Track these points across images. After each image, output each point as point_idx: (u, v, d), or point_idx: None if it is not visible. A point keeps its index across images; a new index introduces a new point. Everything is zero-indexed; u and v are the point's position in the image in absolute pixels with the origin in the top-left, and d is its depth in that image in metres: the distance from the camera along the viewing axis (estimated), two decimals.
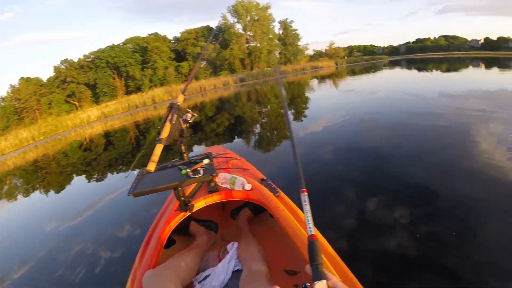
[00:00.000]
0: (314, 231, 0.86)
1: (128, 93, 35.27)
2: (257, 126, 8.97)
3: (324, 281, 0.74)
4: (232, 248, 2.01)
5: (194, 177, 1.69)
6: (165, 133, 1.73)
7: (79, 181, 6.56)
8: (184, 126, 1.96)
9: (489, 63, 30.35)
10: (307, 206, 0.96)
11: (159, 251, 1.70)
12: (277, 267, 1.93)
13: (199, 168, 1.75)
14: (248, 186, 2.01)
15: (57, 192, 6.13)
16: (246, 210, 2.42)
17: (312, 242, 0.85)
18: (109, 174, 6.61)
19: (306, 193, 0.97)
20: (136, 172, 1.84)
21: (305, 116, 9.25)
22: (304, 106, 11.98)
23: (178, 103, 1.93)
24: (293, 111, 10.98)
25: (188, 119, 2.00)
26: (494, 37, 65.17)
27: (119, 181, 5.88)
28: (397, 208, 3.24)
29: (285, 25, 45.39)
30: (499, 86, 11.73)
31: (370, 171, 4.33)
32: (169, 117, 1.81)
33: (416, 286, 2.17)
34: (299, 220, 1.75)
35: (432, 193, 3.45)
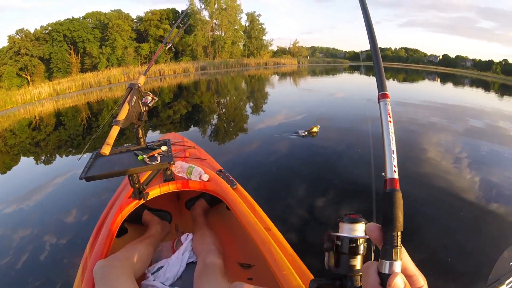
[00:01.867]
0: (397, 174, 0.52)
1: (83, 71, 32.74)
2: (215, 117, 8.88)
3: (398, 263, 0.47)
4: (187, 239, 1.97)
5: (151, 164, 1.61)
6: (122, 115, 1.64)
7: (26, 162, 6.07)
8: (143, 109, 1.88)
9: (445, 78, 32.41)
10: (391, 125, 0.58)
11: (110, 240, 1.62)
12: (232, 259, 1.92)
13: (156, 155, 1.69)
14: (205, 177, 1.97)
15: (3, 173, 5.68)
16: (202, 201, 2.38)
17: (391, 193, 0.50)
18: (58, 157, 6.18)
19: (389, 99, 0.61)
20: (87, 155, 1.74)
21: (263, 111, 9.28)
22: (263, 100, 12.02)
23: (139, 84, 1.83)
24: (251, 104, 11.01)
25: (148, 102, 1.93)
26: (452, 54, 69.27)
27: (69, 164, 5.54)
28: (344, 202, 3.41)
29: (252, 17, 45.09)
30: (449, 100, 12.78)
31: (321, 170, 4.46)
32: (128, 98, 1.72)
33: None
34: (256, 213, 1.74)
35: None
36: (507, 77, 50.10)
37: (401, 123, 7.15)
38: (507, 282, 1.90)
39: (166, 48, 2.50)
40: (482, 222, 3.28)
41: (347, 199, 3.59)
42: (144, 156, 1.66)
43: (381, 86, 0.64)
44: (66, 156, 6.16)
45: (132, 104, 1.73)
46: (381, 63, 0.72)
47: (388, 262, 0.47)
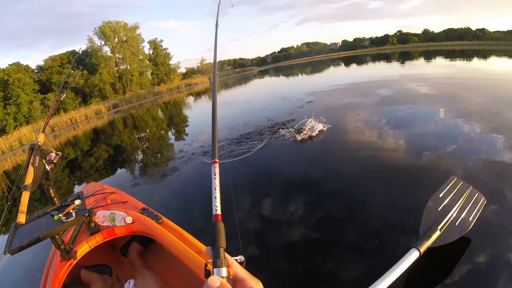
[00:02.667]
0: (219, 210, 0.75)
1: None
2: (139, 153, 8.64)
3: (224, 269, 0.63)
4: (129, 286, 1.94)
5: (68, 221, 1.58)
6: (29, 179, 1.61)
7: None
8: (49, 167, 1.83)
9: (348, 61, 35.07)
10: (216, 181, 0.81)
11: None
12: None
13: (71, 211, 1.65)
14: (129, 219, 1.95)
15: None
16: (134, 244, 2.34)
17: (215, 223, 0.73)
18: None
19: (218, 164, 0.83)
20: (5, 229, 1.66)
21: (186, 134, 9.24)
22: (184, 124, 11.96)
23: (39, 143, 1.80)
24: (173, 130, 10.91)
25: (53, 159, 1.87)
26: (350, 39, 74.89)
27: None
28: (290, 201, 3.57)
29: (155, 44, 44.66)
30: (357, 79, 14.00)
31: (258, 174, 4.64)
32: (31, 160, 1.68)
33: (332, 263, 2.43)
34: (186, 241, 1.76)
35: (315, 182, 3.95)
36: (403, 45, 56.07)
37: (319, 111, 7.56)
38: (439, 227, 2.09)
39: (62, 98, 2.43)
40: (406, 179, 3.62)
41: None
42: (60, 215, 1.62)
43: (213, 155, 0.86)
44: None
45: (36, 165, 1.69)
46: (217, 135, 0.94)
47: (216, 269, 0.63)
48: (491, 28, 53.28)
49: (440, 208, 2.28)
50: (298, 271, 2.42)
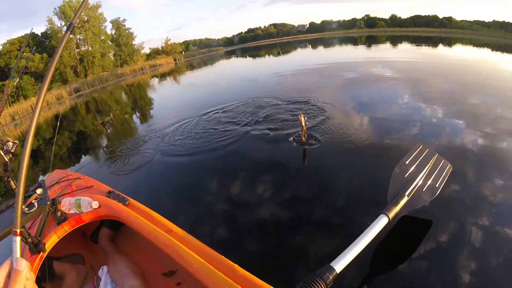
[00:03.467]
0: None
1: None
2: (103, 138, 8.46)
3: None
4: (103, 273, 1.94)
5: (30, 212, 1.55)
6: None
7: None
8: (7, 158, 1.75)
9: (315, 43, 35.32)
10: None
11: None
12: (155, 273, 1.95)
13: (33, 201, 1.62)
14: (95, 204, 1.90)
15: None
16: (104, 229, 2.33)
17: None
18: None
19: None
20: None
21: (151, 117, 9.12)
22: (149, 107, 11.77)
23: None
24: (138, 114, 10.72)
25: (10, 149, 1.80)
26: (318, 21, 75.20)
27: None
28: (256, 183, 3.68)
29: (117, 24, 42.81)
30: (324, 60, 14.21)
31: (225, 157, 4.66)
32: None
33: (303, 238, 2.54)
34: (154, 221, 1.77)
35: (281, 164, 4.07)
36: (371, 30, 57.14)
37: (284, 92, 7.69)
38: (407, 193, 2.16)
39: (14, 83, 2.34)
40: (372, 154, 3.86)
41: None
42: (22, 206, 1.59)
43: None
44: None
45: None
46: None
47: None
48: (458, 17, 54.88)
49: (407, 174, 2.35)
50: (269, 249, 2.52)
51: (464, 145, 3.85)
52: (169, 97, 13.37)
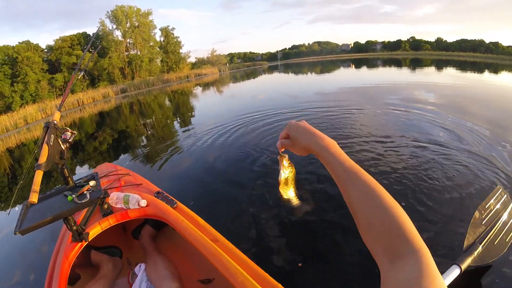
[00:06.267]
0: None
1: None
2: (144, 139, 8.64)
3: None
4: (140, 270, 1.94)
5: (81, 203, 1.55)
6: (43, 157, 1.54)
7: None
8: (64, 146, 1.75)
9: (359, 64, 35.03)
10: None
11: None
12: (191, 278, 1.92)
13: (85, 192, 1.61)
14: (143, 203, 1.93)
15: None
16: (147, 228, 2.34)
17: None
18: None
19: None
20: (18, 207, 1.62)
21: (191, 125, 9.22)
22: (190, 114, 11.97)
23: (55, 121, 1.74)
24: (179, 120, 10.90)
25: (68, 138, 1.79)
26: (362, 41, 74.95)
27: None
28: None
29: (166, 32, 44.47)
30: (364, 83, 14.03)
31: (256, 173, 4.56)
32: (46, 139, 1.62)
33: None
34: (201, 227, 1.75)
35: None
36: (416, 52, 56.29)
37: (326, 112, 7.58)
38: (482, 243, 2.01)
39: (79, 77, 2.40)
40: (446, 192, 3.47)
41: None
42: (74, 195, 1.59)
43: None
44: None
45: (51, 144, 1.62)
46: None
47: None
48: (505, 42, 53.16)
49: (485, 221, 2.19)
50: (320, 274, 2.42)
51: None
52: (211, 106, 13.57)
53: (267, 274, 1.38)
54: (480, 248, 2.00)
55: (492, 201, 2.31)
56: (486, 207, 2.27)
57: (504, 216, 2.26)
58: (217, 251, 1.51)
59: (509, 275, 2.19)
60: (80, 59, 2.31)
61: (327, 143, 0.65)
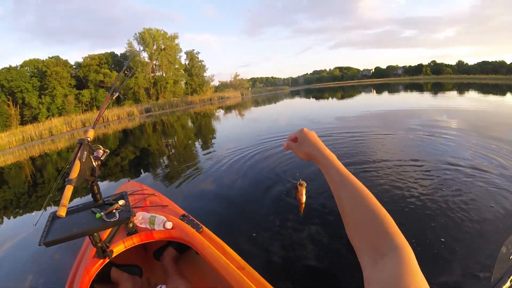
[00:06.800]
0: None
1: (23, 123, 30.77)
2: (165, 159, 8.71)
3: None
4: None
5: (110, 221, 1.55)
6: (75, 173, 1.55)
7: None
8: (95, 164, 1.76)
9: (380, 89, 35.09)
10: None
11: None
12: None
13: (114, 211, 1.62)
14: (169, 225, 1.93)
15: None
16: (170, 250, 2.32)
17: None
18: (5, 218, 5.69)
19: None
20: (43, 218, 1.63)
21: (213, 147, 9.26)
22: (211, 136, 12.06)
23: (88, 138, 1.76)
24: (200, 141, 10.99)
25: (100, 156, 1.81)
26: (383, 66, 75.16)
27: (19, 226, 5.05)
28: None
29: (191, 55, 45.68)
30: (386, 107, 13.97)
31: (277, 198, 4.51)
32: (79, 155, 1.63)
33: None
34: (227, 254, 1.73)
35: None
36: (438, 76, 56.04)
37: (347, 138, 7.51)
38: (510, 279, 1.96)
39: (114, 98, 2.45)
40: (475, 221, 3.38)
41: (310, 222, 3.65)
42: (102, 213, 1.59)
43: None
44: (14, 217, 5.68)
45: (84, 160, 1.64)
46: None
47: None
48: None
49: None
50: None
51: None
52: (232, 128, 13.68)
53: None
54: (509, 283, 1.94)
55: None
56: None
57: None
58: (243, 279, 1.48)
59: None
60: (116, 80, 2.35)
61: (328, 153, 0.73)
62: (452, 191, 4.06)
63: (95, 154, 1.81)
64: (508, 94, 19.73)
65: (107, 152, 1.88)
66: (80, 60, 38.57)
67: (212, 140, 10.79)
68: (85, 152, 1.68)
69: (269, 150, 7.21)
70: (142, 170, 7.83)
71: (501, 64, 53.03)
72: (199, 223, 2.09)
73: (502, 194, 3.86)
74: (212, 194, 4.98)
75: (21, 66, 34.48)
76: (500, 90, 23.53)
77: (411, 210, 3.66)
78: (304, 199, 1.00)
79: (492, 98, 17.61)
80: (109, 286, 2.05)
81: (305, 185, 1.00)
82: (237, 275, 1.51)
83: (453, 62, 62.27)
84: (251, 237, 3.42)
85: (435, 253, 2.74)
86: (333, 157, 0.73)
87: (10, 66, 33.87)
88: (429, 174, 4.80)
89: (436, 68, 63.20)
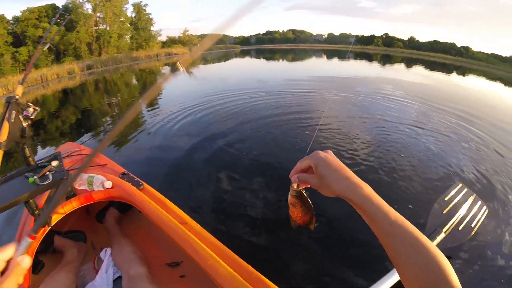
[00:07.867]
0: None
1: None
2: (108, 119, 8.42)
3: None
4: (106, 255, 1.90)
5: (43, 184, 1.46)
6: (3, 135, 1.46)
7: None
8: (25, 123, 1.64)
9: (331, 55, 35.50)
10: None
11: (28, 279, 1.47)
12: (158, 262, 1.90)
13: (47, 173, 1.54)
14: (108, 184, 1.87)
15: None
16: (112, 210, 2.28)
17: None
18: None
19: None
20: None
21: (158, 106, 9.06)
22: (156, 95, 11.73)
23: (17, 96, 1.63)
24: (146, 101, 10.66)
25: (30, 115, 1.68)
26: (337, 33, 76.02)
27: None
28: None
29: (138, 8, 42.64)
30: (334, 73, 14.43)
31: (226, 153, 4.65)
32: (7, 115, 1.53)
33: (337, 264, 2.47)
34: (168, 209, 1.73)
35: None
36: (388, 49, 57.85)
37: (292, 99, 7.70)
38: (444, 230, 2.17)
39: (45, 49, 2.28)
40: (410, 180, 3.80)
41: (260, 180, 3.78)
42: (35, 177, 1.50)
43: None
44: None
45: (12, 120, 1.54)
46: None
47: None
48: (476, 48, 55.44)
49: (445, 211, 2.37)
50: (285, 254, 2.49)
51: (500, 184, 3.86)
52: (178, 86, 13.38)
53: (237, 257, 1.38)
54: (443, 233, 2.18)
55: (452, 194, 2.54)
56: (446, 199, 2.48)
57: (467, 204, 2.48)
58: (185, 234, 1.49)
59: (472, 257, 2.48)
60: (47, 31, 2.17)
61: (368, 192, 0.59)
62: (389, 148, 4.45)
63: (24, 113, 1.68)
64: (454, 74, 20.93)
65: (37, 109, 1.72)
66: (19, 14, 34.36)
67: (157, 99, 10.51)
68: (14, 111, 1.57)
69: (213, 108, 7.43)
70: (83, 132, 7.50)
71: (451, 46, 55.55)
72: (139, 180, 2.05)
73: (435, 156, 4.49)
74: (153, 151, 4.96)
75: None
76: (447, 69, 24.90)
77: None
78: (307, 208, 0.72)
79: (438, 75, 18.63)
80: (54, 256, 1.99)
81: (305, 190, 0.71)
82: (179, 230, 1.52)
83: (405, 37, 64.25)
84: (193, 191, 3.49)
85: None
86: (375, 196, 0.59)
87: None
88: (372, 132, 5.19)
89: (388, 41, 64.76)
